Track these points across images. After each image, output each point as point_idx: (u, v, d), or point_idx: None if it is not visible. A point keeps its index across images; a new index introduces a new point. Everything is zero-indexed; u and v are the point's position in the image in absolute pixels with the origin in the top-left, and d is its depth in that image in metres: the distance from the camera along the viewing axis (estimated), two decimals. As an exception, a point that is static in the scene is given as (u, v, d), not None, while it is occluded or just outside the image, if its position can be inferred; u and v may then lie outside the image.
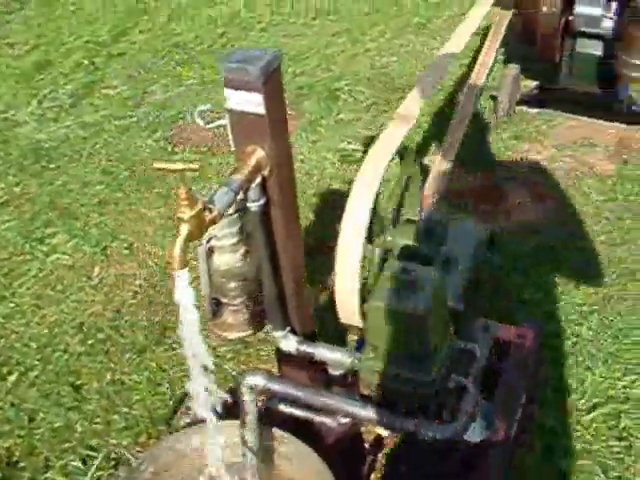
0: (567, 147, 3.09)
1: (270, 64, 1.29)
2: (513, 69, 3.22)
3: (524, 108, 3.28)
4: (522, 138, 3.17)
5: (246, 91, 1.29)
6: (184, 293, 1.26)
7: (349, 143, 3.19)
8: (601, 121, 3.17)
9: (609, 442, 1.98)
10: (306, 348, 1.63)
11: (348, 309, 1.55)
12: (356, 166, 2.53)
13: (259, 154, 1.36)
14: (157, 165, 1.23)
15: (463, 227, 1.88)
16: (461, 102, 3.09)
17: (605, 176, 2.92)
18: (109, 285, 2.61)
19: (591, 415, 2.05)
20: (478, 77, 3.09)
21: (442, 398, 1.53)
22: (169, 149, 3.22)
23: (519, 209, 2.80)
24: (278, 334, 1.63)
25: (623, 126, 3.13)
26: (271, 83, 1.30)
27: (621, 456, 1.95)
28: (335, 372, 1.66)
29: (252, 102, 1.30)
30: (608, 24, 2.76)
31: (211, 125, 1.42)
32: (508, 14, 3.10)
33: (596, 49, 2.86)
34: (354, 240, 1.49)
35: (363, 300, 1.51)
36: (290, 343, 1.64)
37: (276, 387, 1.56)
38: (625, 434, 2.00)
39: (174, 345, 2.32)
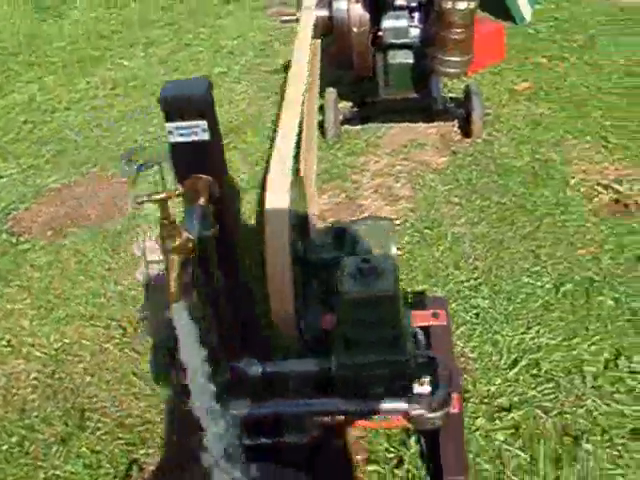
0: (400, 152, 3.33)
1: (208, 89, 1.33)
2: (331, 93, 3.43)
3: (348, 127, 3.50)
4: (356, 153, 3.37)
5: (191, 120, 1.31)
6: (184, 327, 1.25)
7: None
8: (420, 123, 3.47)
9: (538, 387, 2.16)
10: (273, 369, 1.64)
11: (287, 323, 1.59)
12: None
13: (206, 181, 1.39)
14: (139, 200, 1.21)
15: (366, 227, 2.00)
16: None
17: (442, 169, 3.18)
18: (2, 387, 2.43)
19: (514, 369, 2.21)
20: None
21: (417, 374, 1.61)
22: (14, 240, 3.10)
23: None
24: (241, 365, 1.64)
25: (441, 123, 3.44)
26: (211, 108, 1.34)
27: (554, 395, 2.13)
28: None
29: (198, 131, 1.32)
30: (415, 32, 3.03)
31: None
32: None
33: (407, 57, 3.12)
34: (281, 257, 1.53)
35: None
36: (254, 368, 1.64)
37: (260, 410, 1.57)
38: (549, 376, 2.19)
39: (99, 424, 2.22)
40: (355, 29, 3.02)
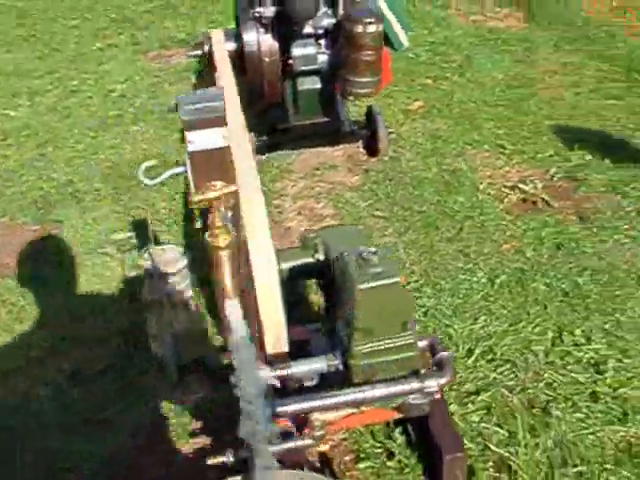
0: (313, 175, 3.46)
1: (223, 98, 1.38)
2: (240, 124, 3.51)
3: (259, 156, 3.59)
4: (272, 180, 3.46)
5: (210, 128, 1.37)
6: (238, 323, 1.29)
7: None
8: (327, 147, 3.61)
9: (498, 370, 2.32)
10: (283, 372, 1.69)
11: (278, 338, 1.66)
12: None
13: (227, 188, 1.44)
14: (197, 198, 1.22)
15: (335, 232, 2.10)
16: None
17: (359, 186, 3.33)
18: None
19: (472, 357, 2.36)
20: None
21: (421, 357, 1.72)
22: None
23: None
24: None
25: (346, 145, 3.60)
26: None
27: (514, 374, 2.29)
28: (310, 383, 1.75)
29: (217, 138, 1.38)
30: (323, 58, 3.17)
31: (157, 181, 1.42)
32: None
33: (315, 83, 3.25)
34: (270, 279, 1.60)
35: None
36: (265, 373, 1.69)
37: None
38: (505, 358, 2.35)
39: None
40: (266, 59, 3.13)
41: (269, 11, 3.05)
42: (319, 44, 3.16)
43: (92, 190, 3.48)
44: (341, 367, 1.68)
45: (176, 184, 3.43)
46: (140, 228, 3.15)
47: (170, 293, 1.52)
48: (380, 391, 1.62)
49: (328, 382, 1.72)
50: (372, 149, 3.55)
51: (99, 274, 2.90)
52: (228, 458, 1.78)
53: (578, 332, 2.42)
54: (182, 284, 1.55)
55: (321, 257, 1.98)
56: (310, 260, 1.98)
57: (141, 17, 5.43)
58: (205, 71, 3.31)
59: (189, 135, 1.37)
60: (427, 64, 4.31)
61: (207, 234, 1.33)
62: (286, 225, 3.15)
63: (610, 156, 3.30)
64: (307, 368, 1.67)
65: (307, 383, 1.73)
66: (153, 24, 5.31)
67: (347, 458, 2.09)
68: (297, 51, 3.15)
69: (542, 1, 4.87)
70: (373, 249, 1.60)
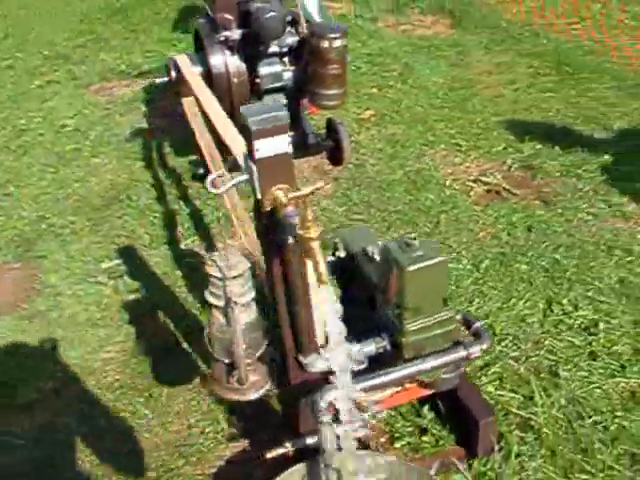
0: (285, 187, 3.60)
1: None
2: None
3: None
4: (246, 195, 3.57)
5: (275, 136, 1.51)
6: (331, 307, 1.42)
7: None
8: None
9: (502, 344, 2.51)
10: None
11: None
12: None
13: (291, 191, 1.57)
14: (293, 195, 1.34)
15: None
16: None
17: (332, 194, 3.50)
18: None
19: (475, 336, 2.55)
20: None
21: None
22: None
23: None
24: (308, 360, 1.80)
25: (310, 158, 3.76)
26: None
27: (517, 347, 2.49)
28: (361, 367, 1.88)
29: (281, 144, 1.52)
30: (288, 75, 3.33)
31: (222, 190, 1.52)
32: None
33: (281, 100, 3.41)
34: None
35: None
36: (320, 364, 1.81)
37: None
38: (505, 333, 2.55)
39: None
40: (235, 79, 3.27)
41: (235, 34, 3.19)
42: (283, 62, 3.32)
43: (67, 224, 3.51)
44: (389, 347, 1.83)
45: (151, 210, 3.51)
46: (126, 255, 3.22)
47: (235, 295, 1.64)
48: (435, 362, 1.78)
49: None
50: (336, 158, 3.71)
51: (99, 303, 2.95)
52: (288, 449, 1.90)
53: (565, 302, 2.64)
54: (246, 286, 1.67)
55: (342, 254, 2.13)
56: (331, 258, 2.14)
57: (74, 52, 5.45)
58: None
59: (256, 143, 1.50)
60: (369, 74, 4.53)
61: (298, 227, 1.46)
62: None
63: (558, 143, 3.58)
64: (360, 351, 1.81)
65: (358, 367, 1.86)
66: (88, 58, 5.35)
67: (382, 439, 2.23)
68: (264, 70, 3.29)
69: (466, 7, 5.18)
70: (413, 235, 1.76)
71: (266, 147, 1.52)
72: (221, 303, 1.68)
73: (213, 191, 1.62)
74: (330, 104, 3.22)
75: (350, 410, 1.55)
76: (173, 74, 3.37)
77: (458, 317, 1.90)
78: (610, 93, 4.01)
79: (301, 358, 1.82)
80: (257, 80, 3.30)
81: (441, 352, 1.80)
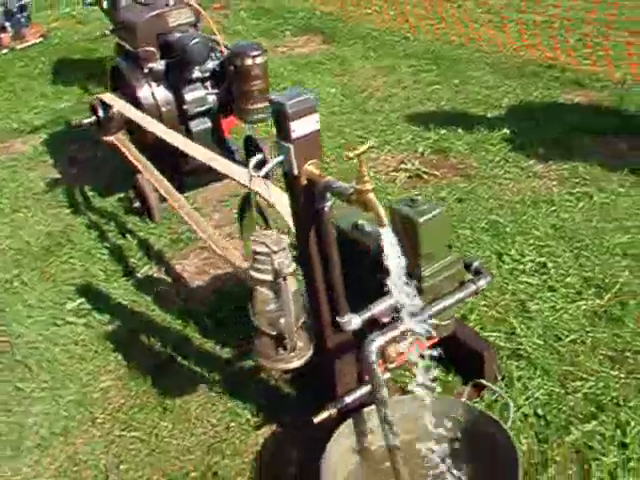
0: (223, 205, 3.75)
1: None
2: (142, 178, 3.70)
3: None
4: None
5: (308, 116, 1.72)
6: (393, 246, 1.65)
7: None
8: (220, 181, 3.92)
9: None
10: (367, 315, 2.02)
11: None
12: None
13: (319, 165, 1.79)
14: (351, 154, 1.52)
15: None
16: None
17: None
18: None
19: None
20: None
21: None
22: None
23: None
24: (345, 319, 2.00)
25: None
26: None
27: (483, 296, 2.78)
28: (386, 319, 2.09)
29: (312, 123, 1.73)
30: (211, 99, 3.52)
31: (263, 171, 1.68)
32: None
33: (206, 123, 3.59)
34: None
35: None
36: (355, 321, 2.01)
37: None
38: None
39: None
40: (164, 109, 3.43)
41: (160, 64, 3.36)
42: (206, 86, 3.51)
43: (13, 277, 3.51)
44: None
45: (97, 248, 3.57)
46: (87, 293, 3.27)
47: (284, 266, 1.82)
48: (452, 300, 2.02)
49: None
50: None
51: (76, 341, 2.99)
52: (332, 411, 2.09)
53: (513, 252, 2.97)
54: (287, 260, 1.86)
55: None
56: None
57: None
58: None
59: (292, 125, 1.71)
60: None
61: (355, 183, 1.67)
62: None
63: (459, 126, 3.97)
64: (386, 305, 2.03)
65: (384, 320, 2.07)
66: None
67: (397, 394, 2.44)
68: (189, 96, 3.48)
69: (333, 24, 5.56)
70: (416, 193, 2.01)
71: (301, 127, 1.73)
72: (269, 277, 1.85)
73: (254, 174, 1.80)
74: (259, 118, 3.44)
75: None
76: (101, 113, 3.48)
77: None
78: (489, 77, 4.47)
79: (338, 319, 2.00)
80: (184, 106, 3.47)
81: (454, 291, 2.05)
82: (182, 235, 3.52)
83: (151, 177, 3.26)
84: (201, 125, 3.60)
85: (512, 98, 4.25)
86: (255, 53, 3.26)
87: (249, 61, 3.26)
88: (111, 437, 2.50)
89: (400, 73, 4.78)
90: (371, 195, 1.67)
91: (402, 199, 2.05)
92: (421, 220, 1.96)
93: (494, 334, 2.58)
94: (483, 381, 2.34)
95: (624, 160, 3.50)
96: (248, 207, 2.57)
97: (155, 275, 3.30)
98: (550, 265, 2.87)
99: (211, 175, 3.76)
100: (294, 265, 1.91)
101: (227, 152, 3.76)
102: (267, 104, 3.37)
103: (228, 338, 2.80)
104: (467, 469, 2.02)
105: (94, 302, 3.20)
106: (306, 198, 1.86)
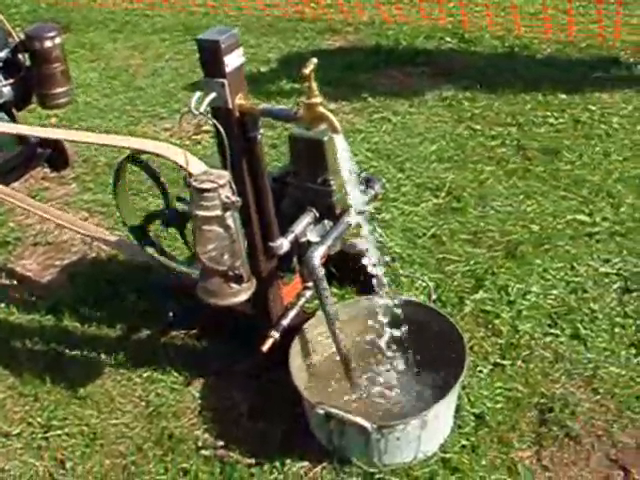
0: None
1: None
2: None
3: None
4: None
5: (236, 50, 1.82)
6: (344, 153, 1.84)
7: None
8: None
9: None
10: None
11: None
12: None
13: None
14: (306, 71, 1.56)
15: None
16: None
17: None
18: None
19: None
20: None
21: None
22: None
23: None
24: (277, 243, 2.13)
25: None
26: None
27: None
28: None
29: (240, 56, 1.84)
30: (7, 90, 3.30)
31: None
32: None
33: (2, 118, 3.37)
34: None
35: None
36: (285, 244, 2.14)
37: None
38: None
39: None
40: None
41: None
42: (-1, 78, 3.29)
43: None
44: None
45: None
46: None
47: (230, 199, 1.92)
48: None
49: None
50: (57, 165, 3.76)
51: None
52: (275, 335, 2.22)
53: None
54: (230, 192, 1.96)
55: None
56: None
57: None
58: None
59: (226, 59, 1.80)
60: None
61: (305, 99, 1.80)
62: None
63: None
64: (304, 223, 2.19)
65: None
66: None
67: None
68: (-18, 90, 3.23)
69: (65, 15, 5.37)
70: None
71: (233, 61, 1.82)
72: (217, 212, 1.92)
73: (196, 112, 1.85)
74: (62, 102, 3.34)
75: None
76: None
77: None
78: (248, 37, 4.63)
79: (271, 244, 2.13)
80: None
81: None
82: (7, 237, 3.31)
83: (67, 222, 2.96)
84: (-3, 121, 3.38)
85: (277, 52, 4.51)
86: (53, 34, 3.15)
87: (48, 43, 3.14)
88: (36, 443, 2.37)
89: (157, 48, 4.82)
90: (322, 108, 1.82)
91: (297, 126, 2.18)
92: (325, 139, 2.12)
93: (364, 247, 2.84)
94: (402, 271, 2.60)
95: (403, 86, 3.95)
96: (122, 175, 2.57)
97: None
98: (384, 180, 3.18)
99: (18, 171, 3.59)
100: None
101: (31, 145, 3.56)
102: (69, 87, 3.32)
103: (109, 317, 2.76)
104: (414, 359, 2.27)
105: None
106: (239, 129, 1.95)
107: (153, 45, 4.88)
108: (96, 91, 4.40)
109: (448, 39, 4.46)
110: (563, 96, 3.77)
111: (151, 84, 4.41)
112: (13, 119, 3.43)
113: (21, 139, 3.49)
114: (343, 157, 1.89)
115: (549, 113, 3.65)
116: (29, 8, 5.58)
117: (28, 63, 3.23)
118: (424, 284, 2.62)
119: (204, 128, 3.85)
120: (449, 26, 4.57)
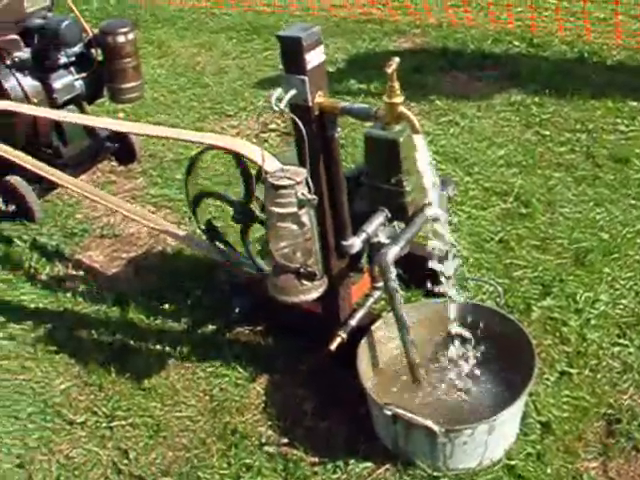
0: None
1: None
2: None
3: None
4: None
5: (317, 47, 1.84)
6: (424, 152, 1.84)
7: None
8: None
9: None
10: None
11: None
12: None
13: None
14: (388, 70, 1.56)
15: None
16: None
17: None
18: None
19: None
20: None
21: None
22: None
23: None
24: (350, 242, 2.11)
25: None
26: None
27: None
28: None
29: (321, 54, 1.86)
30: (79, 83, 3.35)
31: None
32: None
33: (75, 110, 3.43)
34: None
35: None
36: (357, 243, 2.13)
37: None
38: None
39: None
40: (35, 100, 3.25)
41: (26, 53, 3.18)
42: (72, 71, 3.35)
43: None
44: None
45: None
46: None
47: (307, 195, 1.92)
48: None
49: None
50: (124, 159, 3.81)
51: (7, 355, 2.78)
52: (343, 335, 2.22)
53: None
54: (306, 190, 1.96)
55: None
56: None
57: None
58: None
59: (307, 56, 1.81)
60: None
61: (385, 97, 1.80)
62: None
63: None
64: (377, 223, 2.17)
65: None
66: None
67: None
68: (57, 84, 3.31)
69: (133, 12, 5.45)
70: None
71: (314, 58, 1.82)
72: (293, 209, 1.92)
73: (277, 108, 1.85)
74: (133, 97, 3.40)
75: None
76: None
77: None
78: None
79: (343, 243, 2.12)
80: (54, 95, 3.31)
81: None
82: (74, 229, 3.37)
83: (38, 170, 3.05)
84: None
85: (343, 53, 4.51)
86: (126, 29, 3.21)
87: (121, 38, 3.20)
88: (100, 432, 2.40)
89: (224, 46, 4.86)
90: (402, 107, 1.81)
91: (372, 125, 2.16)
92: (401, 139, 2.10)
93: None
94: (470, 276, 2.58)
95: (470, 89, 3.92)
96: (194, 170, 2.59)
97: (62, 273, 3.13)
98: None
99: (86, 164, 3.65)
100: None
101: (97, 140, 3.63)
102: (140, 82, 3.38)
103: (174, 311, 2.79)
104: (481, 364, 2.24)
105: (6, 314, 2.97)
106: (317, 127, 1.95)
107: (220, 43, 4.91)
108: (163, 87, 4.45)
109: (516, 43, 4.41)
110: (633, 103, 3.70)
111: (218, 81, 4.44)
112: (83, 112, 3.50)
113: (90, 132, 3.55)
114: (423, 157, 1.88)
115: (619, 120, 3.58)
116: (99, 5, 5.67)
117: (100, 58, 3.30)
118: (491, 288, 2.58)
119: (271, 126, 3.87)
120: (517, 30, 4.52)
